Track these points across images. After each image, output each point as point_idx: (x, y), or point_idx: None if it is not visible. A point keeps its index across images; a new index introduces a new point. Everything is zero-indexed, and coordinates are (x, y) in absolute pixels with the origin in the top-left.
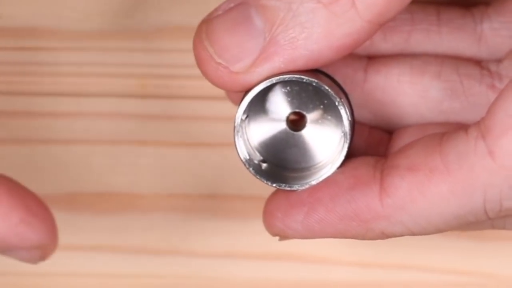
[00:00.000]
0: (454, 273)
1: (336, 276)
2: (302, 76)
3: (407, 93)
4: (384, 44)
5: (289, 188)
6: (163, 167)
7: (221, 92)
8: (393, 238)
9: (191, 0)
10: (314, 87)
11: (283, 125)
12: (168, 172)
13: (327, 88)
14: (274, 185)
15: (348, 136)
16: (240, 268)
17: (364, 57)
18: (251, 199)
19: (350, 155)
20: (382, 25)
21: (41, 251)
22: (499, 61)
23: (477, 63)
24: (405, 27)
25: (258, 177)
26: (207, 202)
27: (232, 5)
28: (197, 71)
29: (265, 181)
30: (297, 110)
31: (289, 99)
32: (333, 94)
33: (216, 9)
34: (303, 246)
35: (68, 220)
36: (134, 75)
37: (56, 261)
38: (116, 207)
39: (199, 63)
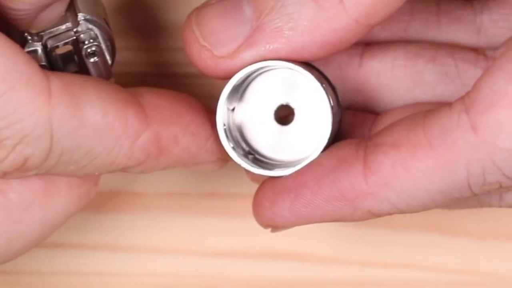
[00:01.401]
0: (455, 272)
1: (336, 275)
2: (285, 62)
3: (401, 77)
4: (382, 32)
5: (272, 174)
6: None
7: (217, 91)
8: (392, 237)
9: (191, 0)
10: (302, 80)
11: (271, 119)
12: (168, 171)
13: (309, 73)
14: (257, 171)
15: (330, 121)
16: (240, 267)
17: (360, 44)
18: (251, 198)
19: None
20: (371, 27)
21: (224, 161)
22: (495, 48)
23: (474, 49)
24: (404, 17)
25: (242, 165)
26: (207, 201)
27: None
28: (197, 70)
29: (248, 168)
30: (285, 104)
31: (277, 92)
32: (316, 80)
33: None
34: (303, 246)
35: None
36: (135, 74)
37: (56, 260)
38: (116, 206)
39: (185, 45)
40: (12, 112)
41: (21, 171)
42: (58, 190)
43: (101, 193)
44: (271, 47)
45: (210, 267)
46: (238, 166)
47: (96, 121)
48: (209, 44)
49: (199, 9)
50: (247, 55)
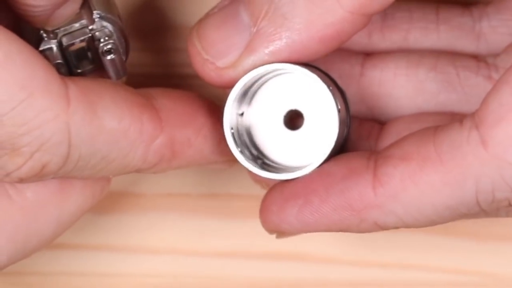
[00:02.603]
0: (454, 273)
1: (336, 276)
2: (288, 64)
3: (403, 86)
4: (382, 42)
5: (279, 177)
6: None
7: (222, 92)
8: (392, 238)
9: (190, 0)
10: (311, 85)
11: (280, 124)
12: (168, 172)
13: (314, 75)
14: (265, 174)
15: (337, 123)
16: (240, 268)
17: (361, 53)
18: (251, 198)
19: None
20: (369, 16)
21: (234, 161)
22: (496, 55)
23: (474, 56)
24: (404, 25)
25: (250, 168)
26: (207, 202)
27: (226, 2)
28: None
29: (257, 172)
30: (294, 109)
31: (287, 98)
32: (321, 81)
33: (213, 7)
34: (303, 246)
35: None
36: (134, 74)
37: (56, 260)
38: (116, 207)
39: (190, 58)
40: (31, 118)
41: (38, 177)
42: (73, 188)
43: None
44: (271, 50)
45: (210, 267)
46: (239, 167)
47: (113, 127)
48: (211, 57)
49: (200, 22)
50: (249, 62)
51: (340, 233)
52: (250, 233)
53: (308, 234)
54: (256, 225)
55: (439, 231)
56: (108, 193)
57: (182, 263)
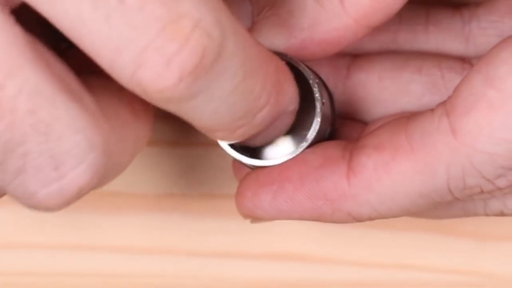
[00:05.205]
0: (454, 273)
1: (336, 276)
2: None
3: (388, 88)
4: (371, 43)
5: (256, 164)
6: (163, 166)
7: None
8: (392, 238)
9: None
10: (298, 82)
11: None
12: (168, 172)
13: (303, 66)
14: (245, 161)
15: (319, 114)
16: (240, 268)
17: (348, 55)
18: None
19: None
20: (371, 28)
21: None
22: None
23: (461, 58)
24: (392, 27)
25: (237, 157)
26: (207, 202)
27: None
28: None
29: (242, 159)
30: None
31: None
32: (308, 72)
33: None
34: (302, 247)
35: (68, 219)
36: None
37: (55, 260)
38: (116, 207)
39: None
40: None
41: None
42: None
43: (101, 194)
44: (268, 42)
45: (210, 268)
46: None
47: None
48: None
49: None
50: None
51: (340, 233)
52: (249, 233)
53: (307, 234)
54: (255, 225)
55: (438, 231)
56: (108, 193)
57: (182, 263)
